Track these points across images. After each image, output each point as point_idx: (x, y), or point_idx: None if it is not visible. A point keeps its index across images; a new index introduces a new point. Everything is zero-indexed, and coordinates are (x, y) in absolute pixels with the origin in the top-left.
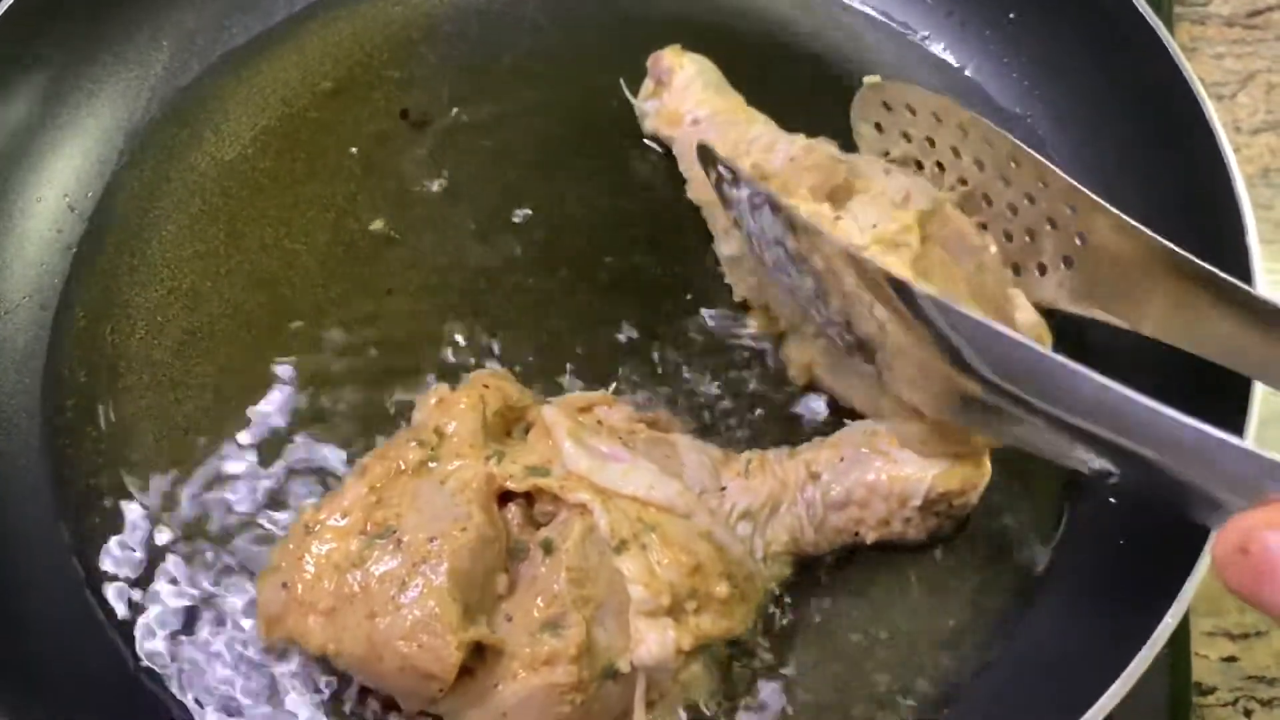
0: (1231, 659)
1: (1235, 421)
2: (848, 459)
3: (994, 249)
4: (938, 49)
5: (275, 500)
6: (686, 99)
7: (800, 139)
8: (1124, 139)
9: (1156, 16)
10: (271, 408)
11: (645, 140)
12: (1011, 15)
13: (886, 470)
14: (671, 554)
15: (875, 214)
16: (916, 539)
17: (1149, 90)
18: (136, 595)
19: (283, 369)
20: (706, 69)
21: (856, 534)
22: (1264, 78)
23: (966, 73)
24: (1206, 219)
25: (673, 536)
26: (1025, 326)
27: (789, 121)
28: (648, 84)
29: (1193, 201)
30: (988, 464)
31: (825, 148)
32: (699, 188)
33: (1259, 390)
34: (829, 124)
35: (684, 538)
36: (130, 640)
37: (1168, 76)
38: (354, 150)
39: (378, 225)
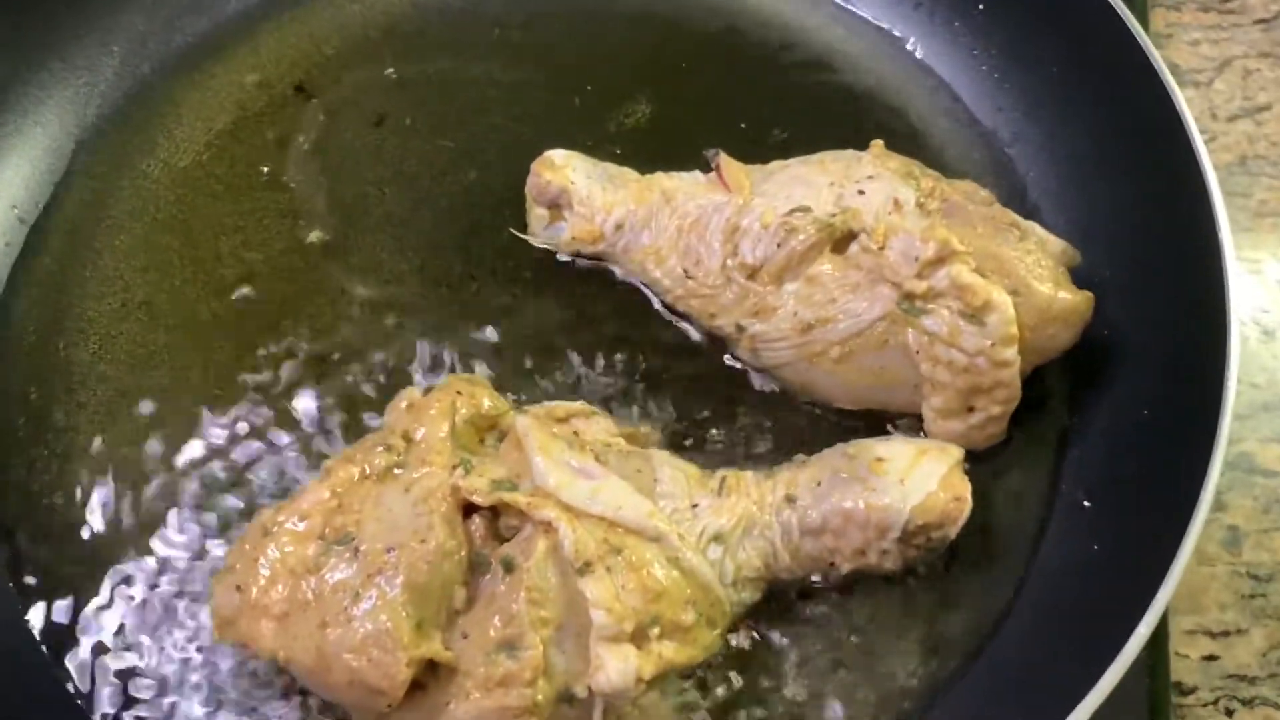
0: (1212, 657)
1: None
2: (825, 483)
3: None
4: (907, 43)
5: (232, 515)
6: (594, 210)
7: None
8: (1095, 130)
9: (1127, 5)
10: (229, 420)
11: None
12: (980, 6)
13: (865, 498)
14: (637, 578)
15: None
16: (892, 570)
17: (1119, 80)
18: (83, 617)
19: (241, 380)
20: (584, 164)
21: (831, 564)
22: (1240, 63)
23: (934, 66)
24: (1178, 209)
25: (639, 560)
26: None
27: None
28: (538, 212)
29: (1164, 192)
30: (969, 497)
31: (800, 220)
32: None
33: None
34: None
35: (651, 562)
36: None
37: (1137, 66)
38: (311, 154)
39: (333, 232)
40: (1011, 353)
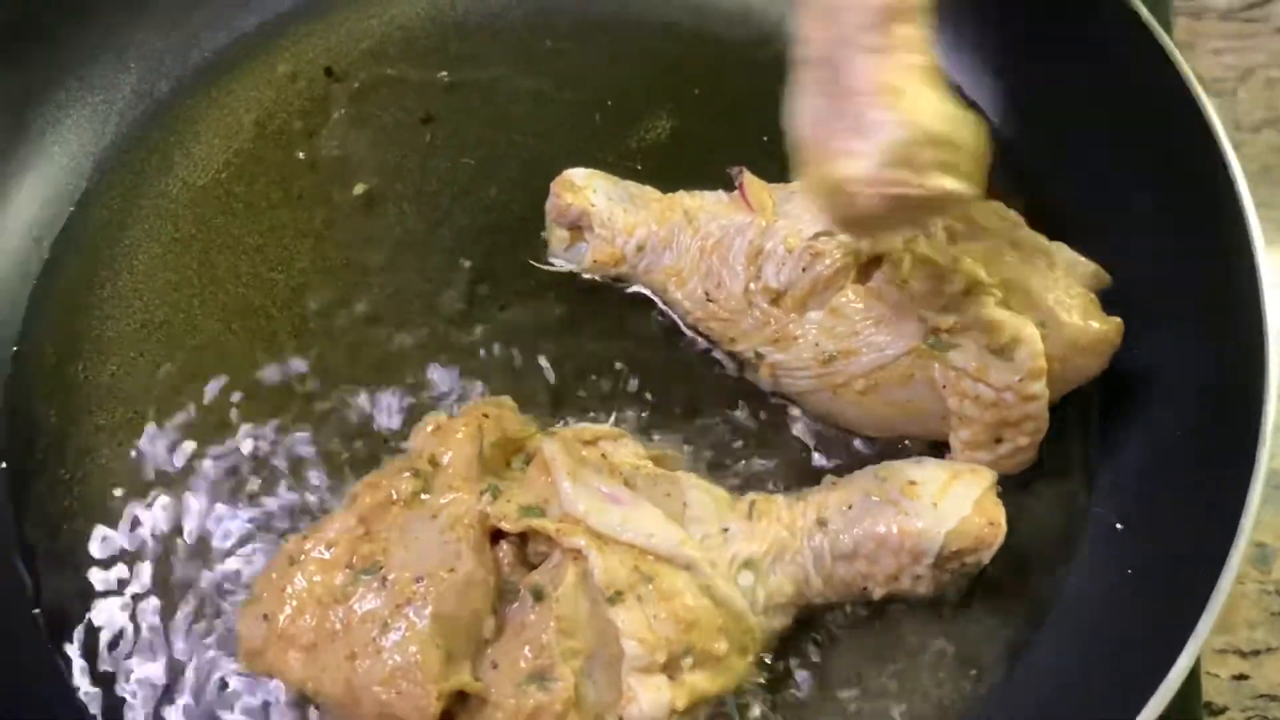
0: (1242, 677)
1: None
2: (857, 506)
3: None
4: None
5: (251, 534)
6: (615, 232)
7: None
8: (1123, 145)
9: (1152, 13)
10: (251, 445)
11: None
12: (1001, 20)
13: (897, 523)
14: (669, 608)
15: None
16: (924, 595)
17: (1147, 93)
18: (102, 637)
19: (261, 401)
20: (605, 184)
21: (864, 589)
22: (1263, 73)
23: (959, 81)
24: (1210, 225)
25: (671, 589)
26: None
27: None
28: (559, 233)
29: (1195, 207)
30: (1003, 521)
31: (826, 245)
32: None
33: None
34: None
35: (683, 591)
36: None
37: (1166, 77)
38: (331, 172)
39: (354, 251)
40: (1040, 387)
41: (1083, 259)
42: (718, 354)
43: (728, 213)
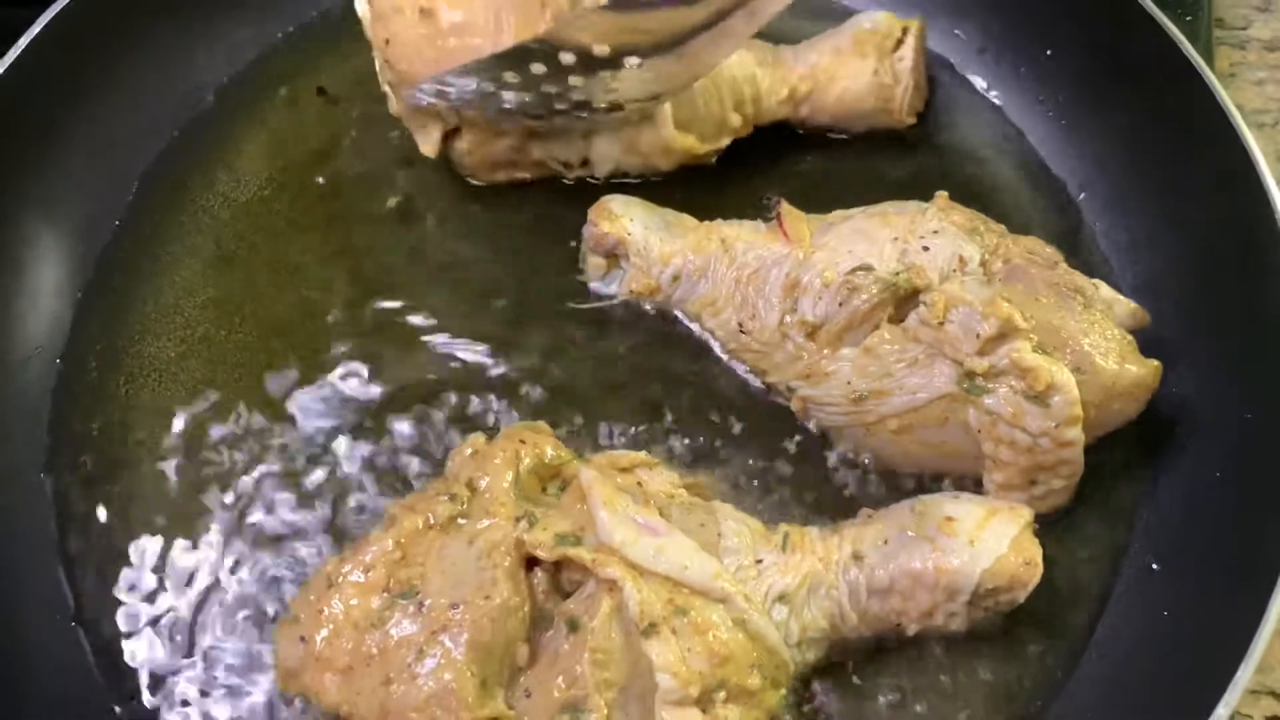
0: (1276, 718)
1: None
2: (893, 541)
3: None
4: (978, 87)
5: (287, 545)
6: (651, 261)
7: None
8: (1165, 181)
9: (1194, 46)
10: (289, 461)
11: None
12: (1048, 52)
13: (933, 560)
14: (703, 641)
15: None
16: (958, 632)
17: (1190, 130)
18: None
19: (301, 417)
20: (642, 212)
21: (898, 625)
22: None
23: (1005, 112)
24: (1251, 263)
25: (705, 623)
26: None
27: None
28: (595, 260)
29: (1237, 244)
30: (1040, 561)
31: (863, 280)
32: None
33: None
34: None
35: (717, 625)
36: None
37: (1209, 113)
38: (370, 190)
39: (393, 272)
40: (1075, 433)
41: (1121, 298)
42: (754, 381)
43: (765, 243)
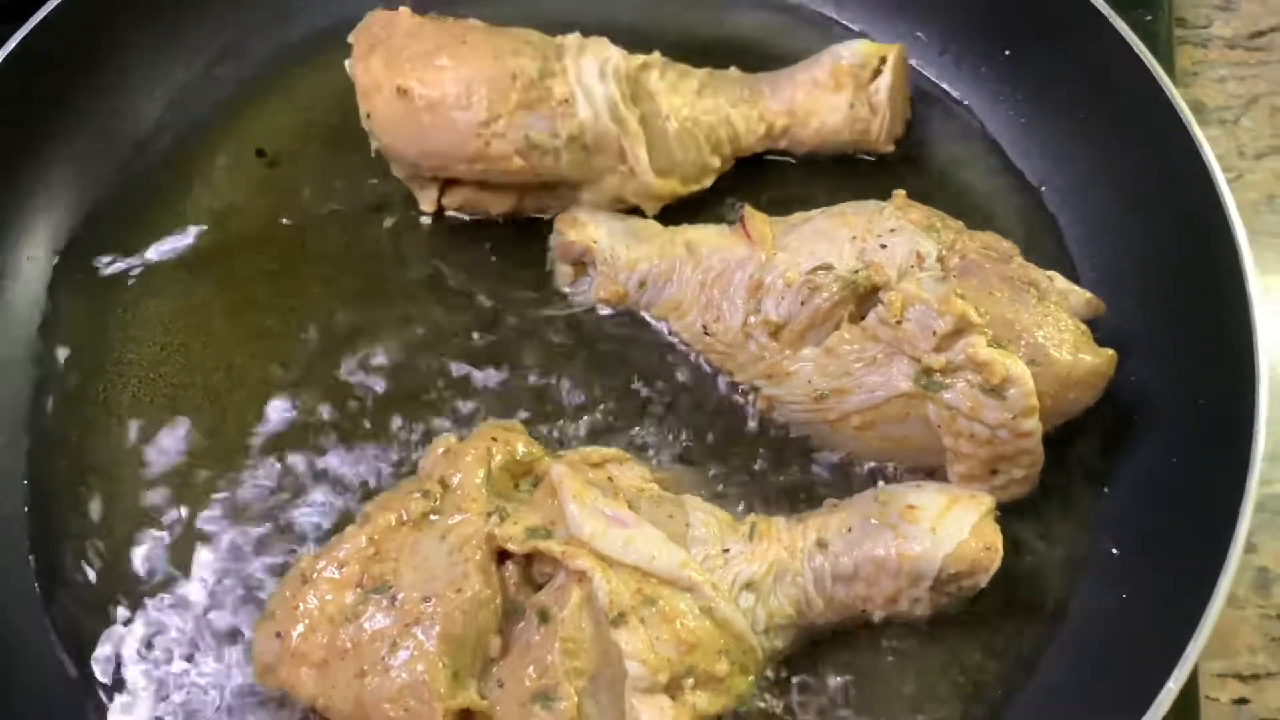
0: (1242, 700)
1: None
2: (857, 529)
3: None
4: (939, 87)
5: (268, 548)
6: (617, 268)
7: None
8: (1122, 175)
9: (1152, 43)
10: (268, 467)
11: None
12: (1006, 52)
13: (896, 546)
14: (671, 630)
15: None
16: (922, 618)
17: (1144, 126)
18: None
19: (277, 422)
20: (607, 220)
21: (864, 610)
22: (1267, 100)
23: (966, 110)
24: (1204, 255)
25: (673, 611)
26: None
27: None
28: (564, 269)
29: (1190, 237)
30: (1000, 546)
31: (823, 279)
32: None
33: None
34: None
35: (685, 613)
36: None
37: (1161, 111)
38: (341, 203)
39: (366, 278)
40: (1032, 424)
41: (1076, 288)
42: (721, 380)
43: (728, 246)
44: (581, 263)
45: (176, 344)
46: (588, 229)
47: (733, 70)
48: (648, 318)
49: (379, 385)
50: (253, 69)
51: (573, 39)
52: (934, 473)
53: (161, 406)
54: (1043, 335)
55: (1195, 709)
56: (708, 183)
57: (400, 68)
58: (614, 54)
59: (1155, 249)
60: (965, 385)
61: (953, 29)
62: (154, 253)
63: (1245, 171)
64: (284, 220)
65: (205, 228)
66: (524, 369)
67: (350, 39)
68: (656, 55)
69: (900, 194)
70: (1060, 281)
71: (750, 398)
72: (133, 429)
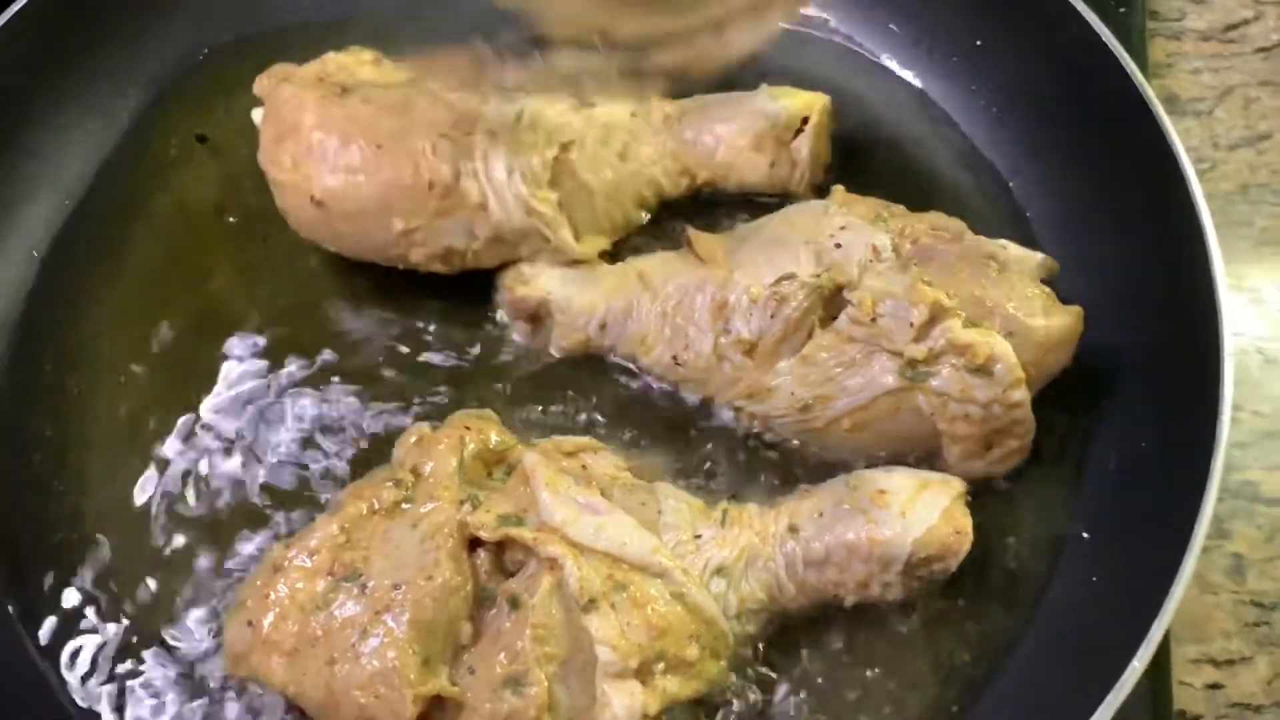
0: (1216, 685)
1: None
2: (827, 514)
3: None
4: (909, 78)
5: (242, 543)
6: (575, 314)
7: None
8: (1092, 164)
9: (1125, 35)
10: (244, 458)
11: None
12: (979, 42)
13: (867, 531)
14: (641, 615)
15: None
16: (895, 602)
17: (1113, 115)
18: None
19: (253, 416)
20: (555, 269)
21: (836, 595)
22: (1241, 92)
23: (936, 101)
24: (1173, 244)
25: (643, 596)
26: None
27: None
28: (519, 325)
29: (1159, 226)
30: (970, 530)
31: (788, 288)
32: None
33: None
34: None
35: (655, 598)
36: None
37: (1131, 100)
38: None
39: (345, 273)
40: (1021, 393)
41: (1029, 251)
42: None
43: (683, 271)
44: (537, 316)
45: (153, 336)
46: (538, 281)
47: (655, 106)
48: (616, 360)
49: (350, 374)
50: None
51: (482, 135)
52: (933, 458)
53: (136, 400)
54: (1013, 306)
55: (1168, 694)
56: (633, 229)
57: (312, 174)
58: (524, 145)
59: (1126, 241)
60: (950, 369)
61: (926, 20)
62: (134, 245)
63: (1219, 162)
64: (260, 206)
65: (181, 220)
66: (493, 357)
67: (254, 119)
68: (577, 122)
69: (839, 189)
70: (1014, 249)
71: (732, 418)
72: (109, 425)
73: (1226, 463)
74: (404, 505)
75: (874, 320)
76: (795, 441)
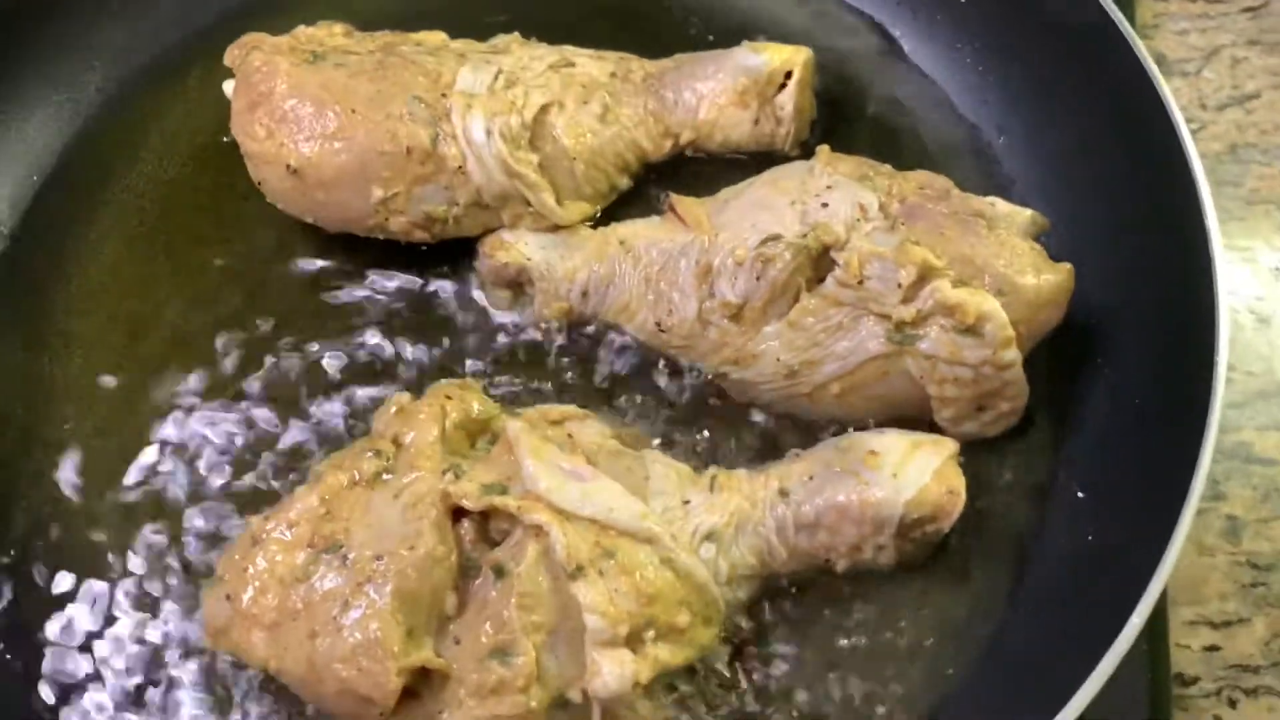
0: (1214, 648)
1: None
2: (818, 476)
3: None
4: (892, 36)
5: (221, 520)
6: (556, 281)
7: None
8: (1079, 122)
9: None
10: (217, 434)
11: None
12: (963, 0)
13: (858, 493)
14: (630, 581)
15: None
16: (887, 565)
17: (1103, 71)
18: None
19: (228, 391)
20: (536, 235)
21: (827, 560)
22: (1228, 52)
23: (919, 60)
24: (1165, 199)
25: (632, 563)
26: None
27: None
28: (499, 294)
29: (1151, 182)
30: (963, 490)
31: (774, 249)
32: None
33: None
34: None
35: (644, 564)
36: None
37: (1121, 55)
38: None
39: (318, 244)
40: (1012, 353)
41: (1018, 208)
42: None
43: (666, 235)
44: (518, 283)
45: (123, 313)
46: (518, 247)
47: (634, 66)
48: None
49: (328, 347)
50: None
51: (459, 95)
52: (925, 422)
53: (109, 377)
54: (1003, 264)
55: (1166, 655)
56: (617, 194)
57: (286, 143)
58: (502, 105)
59: (1115, 198)
60: (939, 331)
61: None
62: (103, 224)
63: (1207, 123)
64: (230, 181)
65: (151, 196)
66: (478, 329)
67: (225, 91)
68: (559, 80)
69: (824, 149)
70: (1002, 205)
71: (717, 389)
72: (81, 402)
73: (1220, 423)
74: (385, 476)
75: (861, 282)
76: (783, 408)
